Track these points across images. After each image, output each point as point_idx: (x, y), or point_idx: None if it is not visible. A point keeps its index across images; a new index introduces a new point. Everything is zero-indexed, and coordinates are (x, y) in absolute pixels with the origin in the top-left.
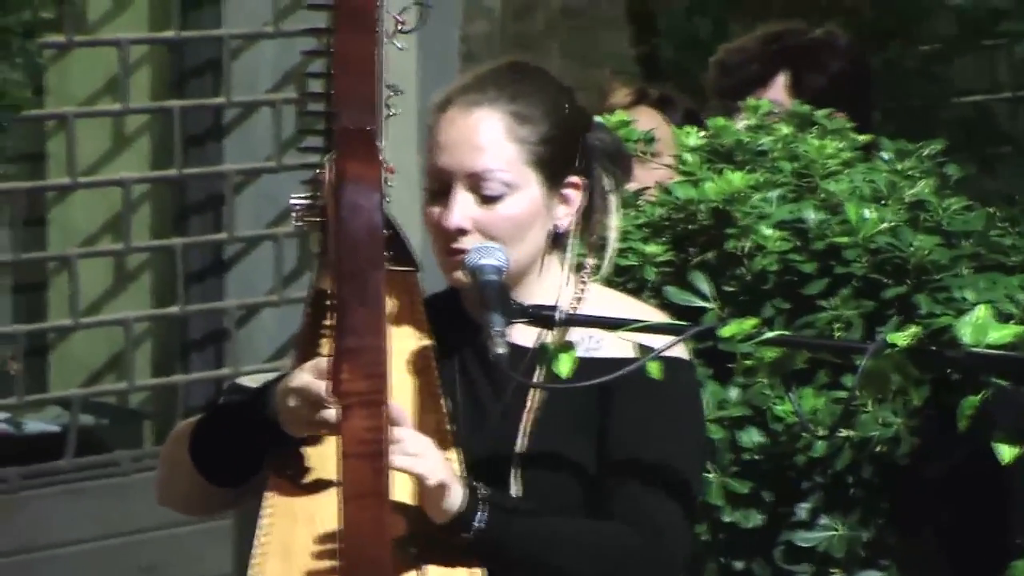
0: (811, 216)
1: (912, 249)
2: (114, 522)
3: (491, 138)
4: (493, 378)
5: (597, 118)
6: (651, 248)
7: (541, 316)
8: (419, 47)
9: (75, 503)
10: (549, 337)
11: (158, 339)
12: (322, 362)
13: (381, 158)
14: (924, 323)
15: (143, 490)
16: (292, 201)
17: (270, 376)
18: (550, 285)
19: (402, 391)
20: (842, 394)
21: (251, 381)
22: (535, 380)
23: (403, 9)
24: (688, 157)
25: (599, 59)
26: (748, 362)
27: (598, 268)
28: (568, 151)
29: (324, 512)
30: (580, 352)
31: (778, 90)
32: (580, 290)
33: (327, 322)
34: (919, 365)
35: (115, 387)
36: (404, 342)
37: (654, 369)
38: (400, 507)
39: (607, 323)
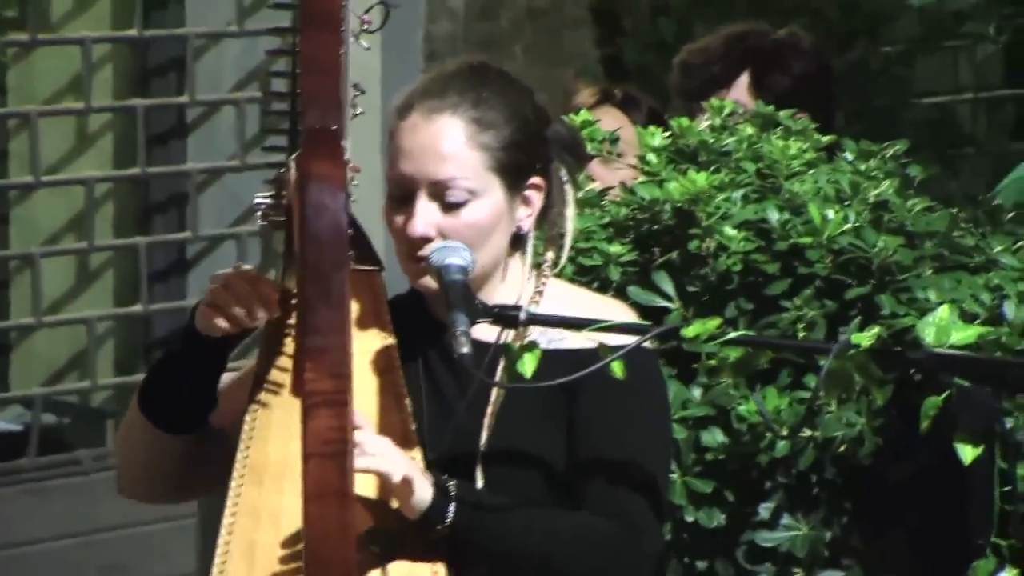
0: (774, 216)
1: (875, 250)
2: (77, 521)
3: (454, 146)
4: (458, 377)
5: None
6: (615, 248)
7: (506, 316)
8: (383, 47)
9: (38, 502)
10: (512, 335)
11: (121, 338)
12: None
13: (346, 158)
14: (887, 324)
15: (106, 489)
16: (256, 200)
17: (232, 375)
18: (512, 284)
19: (366, 391)
20: (805, 394)
21: None
22: (498, 374)
23: (368, 8)
24: (652, 157)
25: (563, 59)
26: (711, 362)
27: (556, 262)
28: (530, 154)
29: (288, 512)
30: (543, 344)
31: (741, 91)
32: (541, 284)
33: (290, 321)
34: (882, 365)
35: (77, 386)
36: (368, 342)
37: (617, 369)
38: (364, 505)
39: (571, 323)
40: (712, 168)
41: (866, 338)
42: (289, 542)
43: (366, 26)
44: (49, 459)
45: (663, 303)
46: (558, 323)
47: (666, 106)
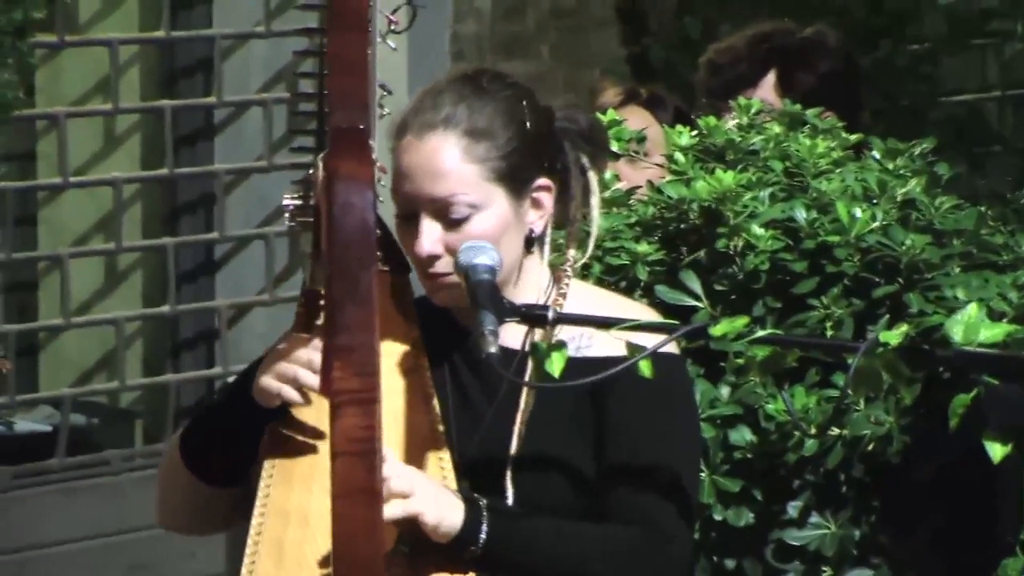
0: (802, 215)
1: (903, 248)
2: (105, 521)
3: (449, 163)
4: (484, 381)
5: None
6: (642, 247)
7: (533, 315)
8: (409, 47)
9: (66, 503)
10: (539, 336)
11: (149, 339)
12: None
13: (374, 157)
14: (915, 322)
15: (134, 489)
16: (284, 201)
17: None
18: (529, 286)
19: (393, 390)
20: (833, 393)
21: None
22: (526, 379)
23: (395, 9)
24: (679, 156)
25: (589, 59)
26: (739, 361)
27: (579, 259)
28: (532, 156)
29: (316, 511)
30: (571, 351)
31: (767, 90)
32: (564, 285)
33: (318, 322)
34: (910, 364)
35: (106, 387)
36: (395, 342)
37: (645, 368)
38: None
39: (599, 322)
40: (740, 167)
41: (894, 336)
42: (318, 541)
43: (393, 26)
44: (78, 459)
45: (691, 302)
46: (586, 322)
47: (692, 105)
